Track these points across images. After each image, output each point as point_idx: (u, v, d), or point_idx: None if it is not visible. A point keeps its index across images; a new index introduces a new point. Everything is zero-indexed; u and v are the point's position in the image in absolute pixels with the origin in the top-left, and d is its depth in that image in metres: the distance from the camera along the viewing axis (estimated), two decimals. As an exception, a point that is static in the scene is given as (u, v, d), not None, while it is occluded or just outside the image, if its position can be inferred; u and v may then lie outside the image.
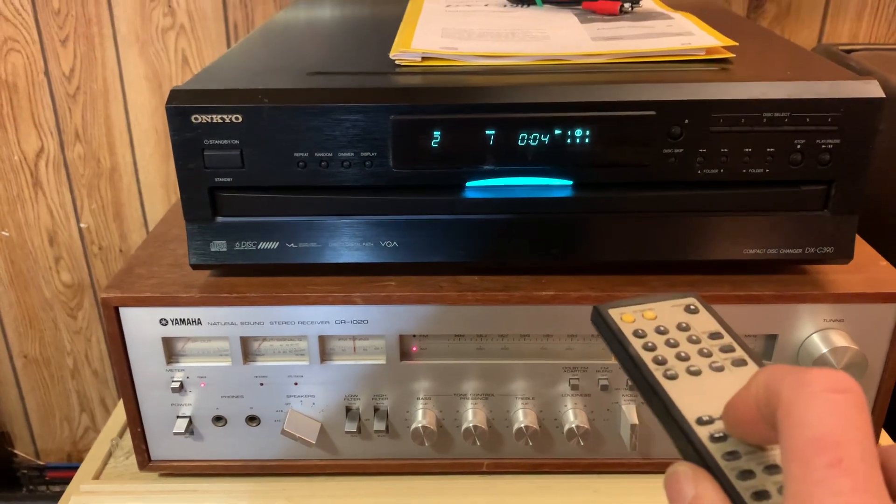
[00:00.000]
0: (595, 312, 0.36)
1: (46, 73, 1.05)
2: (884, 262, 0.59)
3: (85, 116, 1.08)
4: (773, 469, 0.28)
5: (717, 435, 0.29)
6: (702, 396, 0.31)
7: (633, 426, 0.58)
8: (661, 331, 0.34)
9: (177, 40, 1.04)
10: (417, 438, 0.59)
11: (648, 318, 0.35)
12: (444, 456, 0.62)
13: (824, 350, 0.55)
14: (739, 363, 0.33)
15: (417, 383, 0.59)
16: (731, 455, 0.29)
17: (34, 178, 1.11)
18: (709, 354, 0.33)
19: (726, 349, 0.33)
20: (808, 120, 0.51)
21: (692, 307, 0.36)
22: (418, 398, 0.60)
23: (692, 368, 0.33)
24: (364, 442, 0.61)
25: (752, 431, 0.28)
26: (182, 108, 0.51)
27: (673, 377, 0.32)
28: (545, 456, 0.62)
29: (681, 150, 0.52)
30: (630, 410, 0.59)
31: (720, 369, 0.33)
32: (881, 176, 0.81)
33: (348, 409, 0.60)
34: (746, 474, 0.28)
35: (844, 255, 0.55)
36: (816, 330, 0.56)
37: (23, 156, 1.10)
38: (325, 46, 0.69)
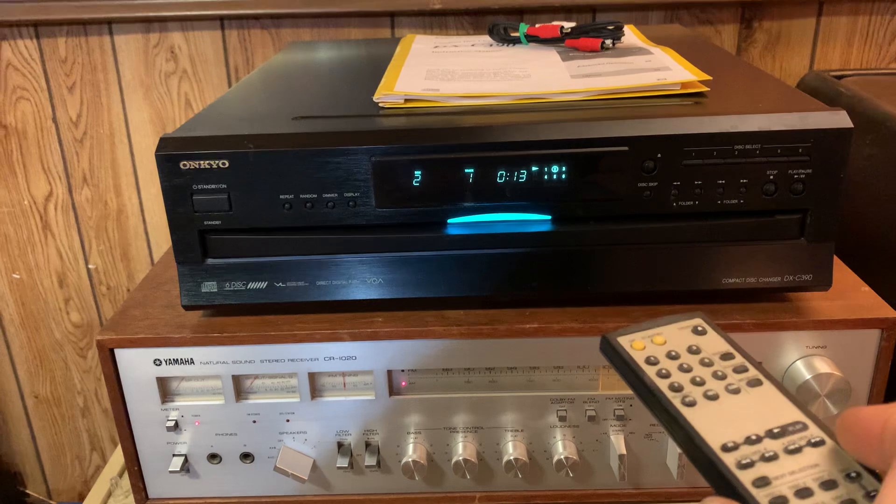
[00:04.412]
0: (604, 342, 0.36)
1: (54, 119, 1.08)
2: (866, 288, 0.60)
3: (92, 160, 1.11)
4: (804, 493, 0.28)
5: (744, 461, 0.29)
6: (723, 422, 0.31)
7: (621, 456, 0.58)
8: (672, 356, 0.34)
9: (180, 84, 1.07)
10: (408, 473, 0.60)
11: (658, 344, 0.35)
12: (435, 490, 0.62)
13: (808, 377, 0.55)
14: (755, 383, 0.33)
15: (407, 418, 0.60)
16: (762, 481, 0.29)
17: (43, 221, 1.14)
18: (723, 377, 0.33)
19: (739, 370, 0.34)
20: (779, 151, 0.52)
21: (700, 328, 0.36)
22: (408, 432, 0.60)
23: (709, 393, 0.33)
24: (356, 477, 0.62)
25: (860, 447, 0.28)
26: (171, 154, 0.53)
27: (691, 404, 0.32)
28: (536, 488, 0.62)
29: (655, 184, 0.53)
30: (618, 440, 0.59)
31: (737, 392, 0.33)
32: (871, 200, 0.82)
33: (340, 445, 0.61)
34: (780, 500, 0.28)
35: (823, 282, 0.56)
36: (800, 357, 0.57)
37: (32, 200, 1.13)
38: (314, 90, 0.71)
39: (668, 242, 0.55)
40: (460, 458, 0.59)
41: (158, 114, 1.08)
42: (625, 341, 0.35)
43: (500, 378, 0.59)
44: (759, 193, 0.53)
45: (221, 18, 1.03)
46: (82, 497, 1.34)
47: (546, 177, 0.54)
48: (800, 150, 0.52)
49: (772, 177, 0.53)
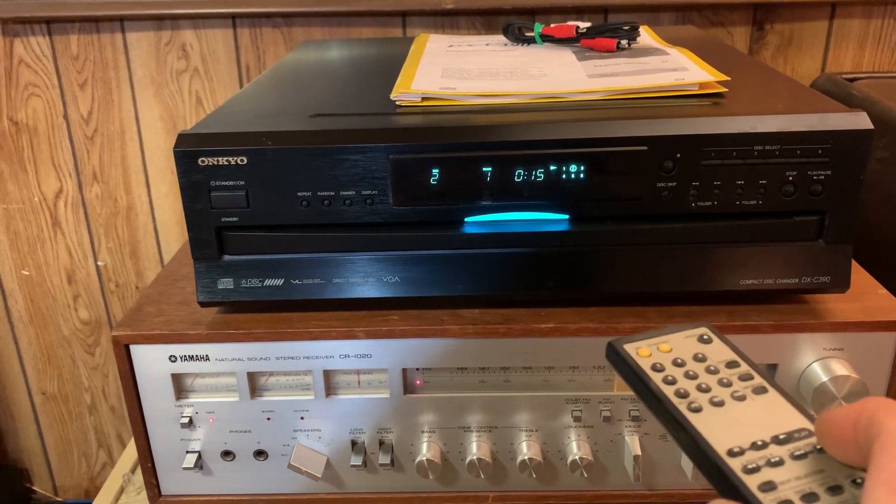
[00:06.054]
0: (610, 349, 0.36)
1: (65, 116, 1.08)
2: (883, 291, 0.60)
3: (102, 157, 1.11)
4: (810, 497, 0.28)
5: (750, 466, 0.30)
6: (729, 427, 0.31)
7: (635, 457, 0.58)
8: (678, 363, 0.35)
9: (191, 82, 1.07)
10: (422, 471, 0.60)
11: (664, 351, 0.35)
12: (449, 489, 0.62)
13: (825, 379, 0.55)
14: (760, 391, 0.33)
15: (421, 416, 0.60)
16: (767, 486, 0.29)
17: (53, 218, 1.14)
18: (729, 384, 0.34)
19: (745, 377, 0.34)
20: (798, 152, 0.52)
21: (705, 337, 0.36)
22: (423, 431, 0.60)
23: (715, 399, 0.33)
24: (370, 475, 0.62)
25: (840, 448, 0.29)
26: (189, 151, 0.53)
27: (697, 410, 0.32)
28: (550, 488, 0.62)
29: (674, 184, 0.53)
30: (633, 441, 0.59)
31: (742, 398, 0.33)
32: (884, 203, 0.82)
33: (354, 443, 0.61)
34: None
35: (841, 284, 0.56)
36: (816, 359, 0.56)
37: (42, 197, 1.13)
38: (329, 88, 0.71)
39: (686, 243, 0.55)
40: (474, 457, 0.59)
41: (169, 111, 1.08)
42: (631, 349, 0.36)
43: (514, 378, 0.59)
44: (777, 194, 0.53)
45: (233, 17, 1.03)
46: (88, 494, 1.34)
47: (564, 176, 0.53)
48: (819, 152, 0.52)
49: (791, 178, 0.53)
